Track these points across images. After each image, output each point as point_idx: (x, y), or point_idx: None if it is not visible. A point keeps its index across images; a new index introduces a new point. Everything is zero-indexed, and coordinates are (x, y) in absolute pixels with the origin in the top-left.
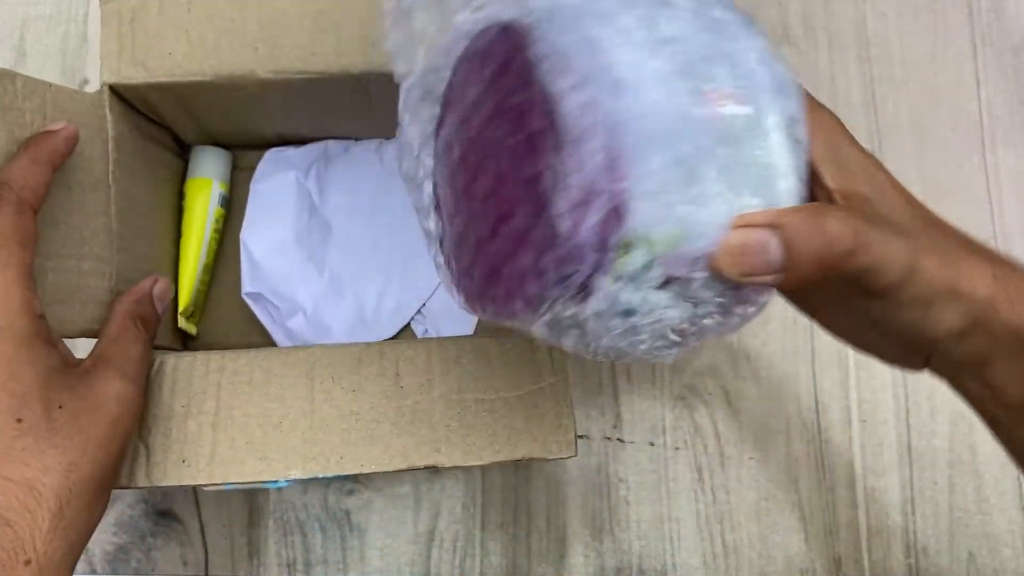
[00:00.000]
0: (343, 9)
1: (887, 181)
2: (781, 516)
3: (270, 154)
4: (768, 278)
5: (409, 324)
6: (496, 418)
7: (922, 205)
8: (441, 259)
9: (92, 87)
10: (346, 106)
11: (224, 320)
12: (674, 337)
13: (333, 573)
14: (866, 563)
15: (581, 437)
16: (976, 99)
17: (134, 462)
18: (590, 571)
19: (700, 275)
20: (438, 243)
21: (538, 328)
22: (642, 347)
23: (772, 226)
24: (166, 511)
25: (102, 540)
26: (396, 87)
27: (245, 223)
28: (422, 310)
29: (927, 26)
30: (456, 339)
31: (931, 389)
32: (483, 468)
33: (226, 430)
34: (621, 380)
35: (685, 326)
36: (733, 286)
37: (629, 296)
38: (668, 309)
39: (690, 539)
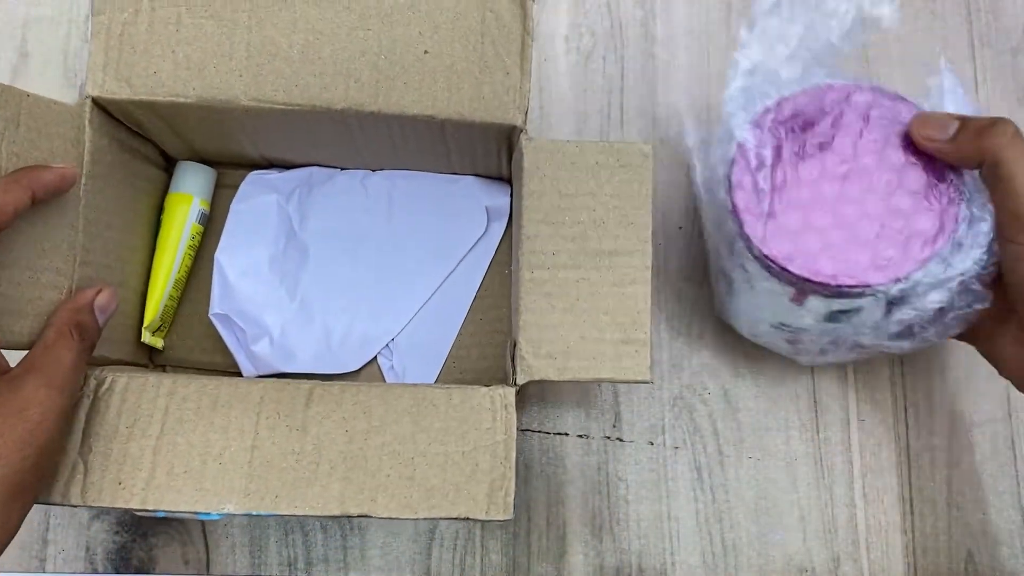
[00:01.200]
0: (331, 44)
1: None
2: (780, 515)
3: (253, 176)
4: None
5: (375, 358)
6: (438, 473)
7: None
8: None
9: None
10: (328, 139)
11: (192, 337)
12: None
13: (334, 572)
14: (865, 562)
15: (581, 436)
16: (975, 100)
17: (71, 479)
18: (590, 570)
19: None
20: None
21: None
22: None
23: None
24: None
25: (104, 539)
26: (376, 125)
27: (221, 243)
28: (390, 345)
29: (926, 27)
30: (411, 388)
31: (929, 388)
32: None
33: (166, 456)
34: None
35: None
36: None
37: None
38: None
39: (689, 538)
